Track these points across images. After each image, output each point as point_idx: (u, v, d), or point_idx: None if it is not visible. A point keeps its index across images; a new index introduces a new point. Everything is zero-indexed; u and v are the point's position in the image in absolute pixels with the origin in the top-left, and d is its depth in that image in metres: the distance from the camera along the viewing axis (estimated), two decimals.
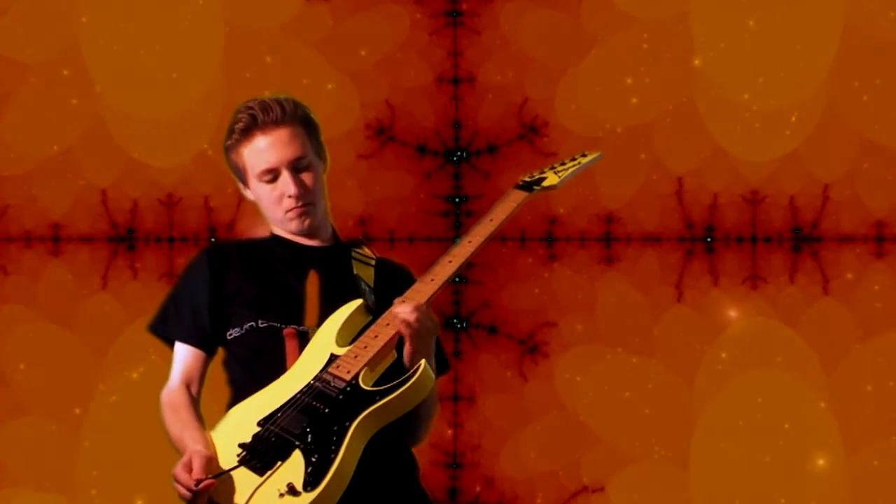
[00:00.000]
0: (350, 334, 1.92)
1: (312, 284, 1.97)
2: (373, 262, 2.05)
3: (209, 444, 1.80)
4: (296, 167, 1.99)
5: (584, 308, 4.21)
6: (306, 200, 2.01)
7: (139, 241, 4.11)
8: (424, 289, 1.93)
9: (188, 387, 1.99)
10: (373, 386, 1.79)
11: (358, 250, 2.09)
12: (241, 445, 1.76)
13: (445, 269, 1.97)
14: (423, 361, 1.84)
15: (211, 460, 1.76)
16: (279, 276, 1.98)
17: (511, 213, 2.08)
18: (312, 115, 2.07)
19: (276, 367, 1.90)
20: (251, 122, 1.99)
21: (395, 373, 1.80)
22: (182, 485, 1.77)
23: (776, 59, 3.96)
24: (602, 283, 4.22)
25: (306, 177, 2.01)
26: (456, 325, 4.22)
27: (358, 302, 1.95)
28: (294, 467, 1.74)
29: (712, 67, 4.05)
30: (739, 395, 4.01)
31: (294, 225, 2.00)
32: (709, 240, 4.14)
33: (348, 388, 1.81)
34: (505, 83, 4.20)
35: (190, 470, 1.80)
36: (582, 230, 4.22)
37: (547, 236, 4.22)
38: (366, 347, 1.85)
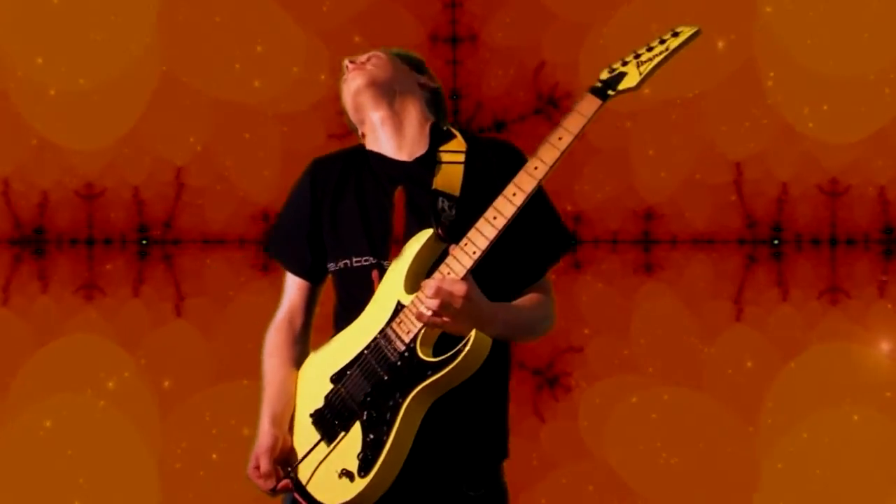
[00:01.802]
0: (422, 269, 2.16)
1: (399, 206, 2.27)
2: (461, 160, 2.25)
3: (285, 412, 2.22)
4: (362, 60, 2.36)
5: (617, 329, 4.23)
6: (360, 61, 2.34)
7: (50, 243, 4.17)
8: (463, 259, 2.09)
9: (292, 320, 2.37)
10: (431, 350, 2.08)
11: (446, 147, 2.30)
12: (312, 416, 2.17)
13: (486, 230, 2.09)
14: (472, 333, 2.05)
15: (275, 456, 2.21)
16: (371, 199, 2.28)
17: (582, 127, 2.11)
18: (411, 54, 2.42)
19: (363, 309, 2.24)
20: (348, 60, 2.37)
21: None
22: (259, 485, 2.26)
23: (862, 13, 3.99)
24: (639, 296, 4.24)
25: (371, 58, 2.36)
26: None
27: (427, 233, 2.17)
28: (353, 443, 2.14)
29: (781, 23, 4.08)
30: (816, 440, 4.01)
31: (347, 86, 2.33)
32: (776, 242, 4.15)
33: (406, 353, 2.12)
34: (516, 43, 4.22)
35: (259, 473, 2.25)
36: (614, 230, 4.24)
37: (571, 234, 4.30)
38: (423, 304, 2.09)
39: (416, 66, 2.49)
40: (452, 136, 2.36)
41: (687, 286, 4.22)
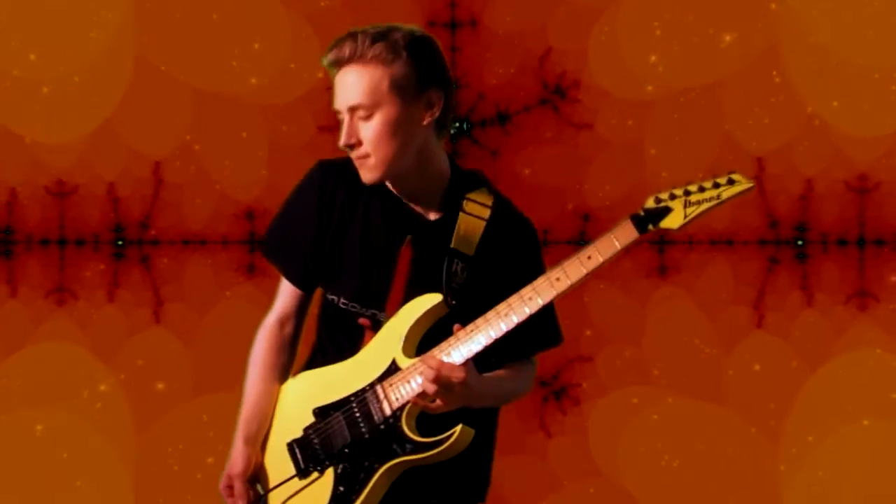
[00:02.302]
0: (421, 331, 2.27)
1: (404, 260, 2.31)
2: (486, 216, 2.28)
3: (260, 430, 2.35)
4: (358, 113, 2.22)
5: (629, 336, 4.21)
6: (361, 152, 2.24)
7: (19, 244, 4.15)
8: (464, 346, 2.22)
9: (282, 326, 2.42)
10: (414, 422, 2.23)
11: (473, 197, 2.31)
12: (289, 445, 2.31)
13: (495, 324, 2.20)
14: (459, 427, 2.20)
15: (248, 477, 2.34)
16: (375, 239, 2.31)
17: (612, 255, 2.18)
18: (409, 51, 2.22)
19: (345, 353, 2.33)
20: (333, 57, 2.24)
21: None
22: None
23: None
24: (653, 301, 4.21)
25: (368, 125, 2.22)
26: None
27: (436, 298, 2.25)
28: (324, 488, 2.29)
29: (806, 6, 4.06)
30: (843, 457, 4.00)
31: (360, 174, 2.27)
32: (800, 243, 4.13)
33: (391, 420, 2.25)
34: (520, 28, 4.19)
35: (231, 492, 2.38)
36: None
37: (579, 237, 4.21)
38: (422, 373, 2.22)
39: (420, 80, 2.29)
40: (478, 182, 2.36)
41: (704, 290, 4.18)
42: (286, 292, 2.47)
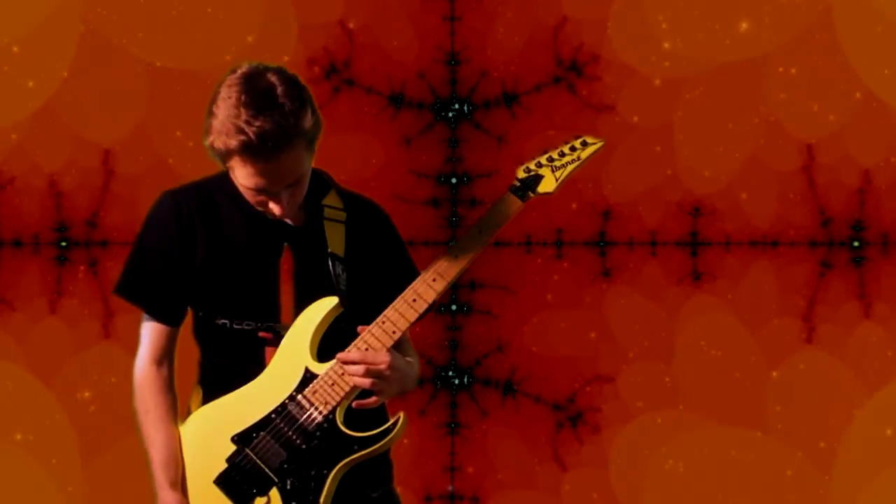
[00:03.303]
0: (320, 335, 2.59)
1: (286, 266, 2.60)
2: (343, 218, 2.66)
3: (177, 467, 2.59)
4: (289, 187, 2.51)
5: (657, 352, 4.23)
6: (291, 212, 2.56)
7: None
8: (382, 338, 2.56)
9: (159, 365, 2.66)
10: (347, 423, 2.53)
11: (328, 203, 2.66)
12: (217, 480, 2.55)
13: (407, 312, 2.58)
14: (401, 415, 2.56)
15: None
16: (252, 253, 2.60)
17: (503, 223, 2.62)
18: (313, 115, 2.52)
19: (252, 370, 2.59)
20: (245, 150, 2.45)
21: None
22: None
23: None
24: (685, 312, 4.23)
25: (298, 189, 2.54)
26: (453, 381, 4.25)
27: (332, 301, 2.58)
28: None
29: None
30: None
31: (268, 214, 2.55)
32: (856, 244, 4.14)
33: (325, 425, 2.55)
34: None
35: None
36: (651, 229, 4.26)
37: (599, 238, 4.25)
38: (343, 375, 2.54)
39: (319, 129, 2.59)
40: (325, 185, 2.68)
41: (744, 299, 4.18)
42: (154, 331, 2.67)
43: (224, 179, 2.61)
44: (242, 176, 2.49)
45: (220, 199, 2.64)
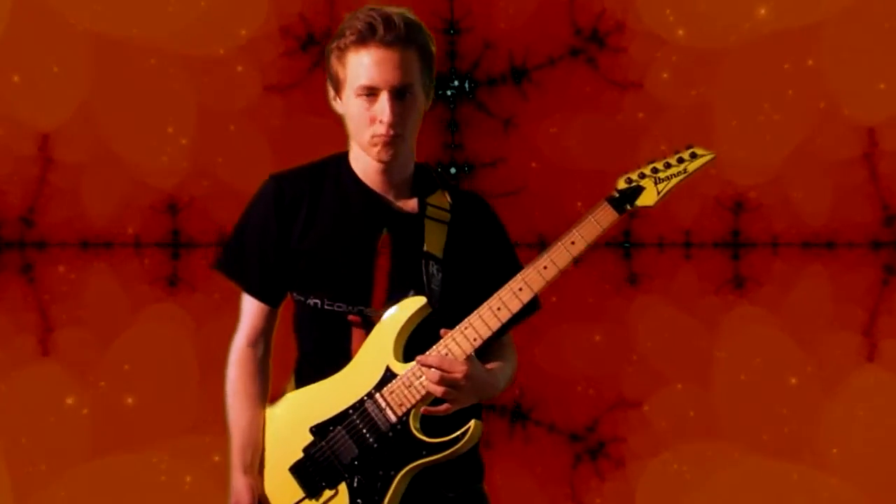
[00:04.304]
0: (407, 335, 2.87)
1: (384, 253, 2.89)
2: (447, 219, 2.95)
3: (255, 458, 2.94)
4: (398, 93, 2.84)
5: (691, 373, 4.23)
6: (398, 131, 2.86)
7: None
8: (463, 344, 2.81)
9: (254, 346, 2.97)
10: (419, 424, 2.83)
11: (432, 202, 2.95)
12: (293, 468, 2.89)
13: (490, 320, 2.82)
14: (472, 423, 2.81)
15: (255, 500, 2.91)
16: (351, 235, 2.91)
17: (596, 237, 2.81)
18: (432, 44, 2.91)
19: (339, 357, 2.89)
20: (368, 33, 2.84)
21: None
22: None
23: None
24: (725, 325, 4.23)
25: (405, 106, 2.85)
26: None
27: (420, 301, 2.85)
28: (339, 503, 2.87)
29: None
30: None
31: (376, 152, 2.87)
32: None
33: (399, 426, 2.84)
34: None
35: None
36: (685, 228, 4.28)
37: (623, 237, 4.26)
38: (420, 378, 2.81)
39: (432, 68, 2.95)
40: (433, 182, 2.98)
41: (795, 311, 4.19)
42: (252, 310, 2.99)
43: (335, 161, 2.98)
44: (357, 72, 2.85)
45: (326, 181, 2.97)
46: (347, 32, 2.87)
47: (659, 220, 4.21)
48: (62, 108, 4.20)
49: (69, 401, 4.19)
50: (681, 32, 4.20)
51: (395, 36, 2.85)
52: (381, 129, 2.85)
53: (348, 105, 2.90)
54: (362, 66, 2.85)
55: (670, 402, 4.21)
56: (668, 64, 4.20)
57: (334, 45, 2.89)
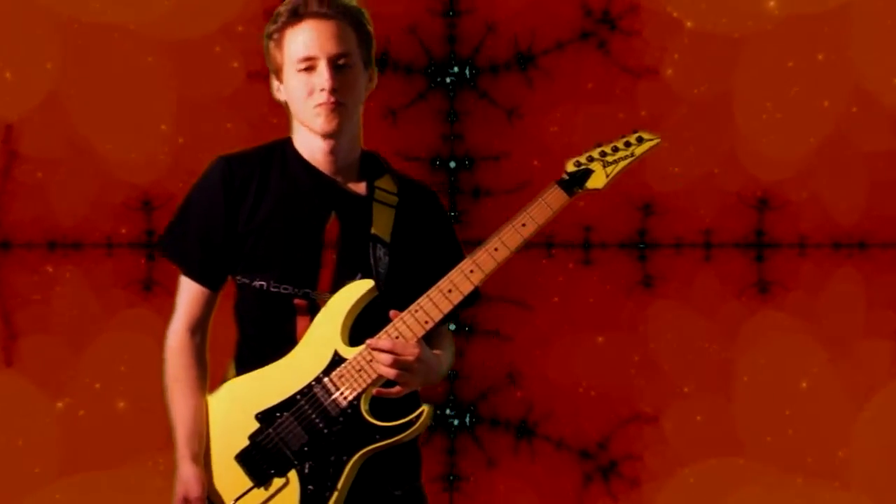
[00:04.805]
0: (353, 319, 3.01)
1: (331, 234, 3.05)
2: (394, 203, 3.12)
3: (201, 441, 3.05)
4: (336, 63, 3.04)
5: (712, 384, 4.25)
6: (339, 98, 3.03)
7: None
8: (414, 327, 2.97)
9: (193, 332, 3.08)
10: (374, 410, 2.96)
11: (381, 185, 3.14)
12: (238, 456, 2.99)
13: (441, 302, 2.98)
14: (426, 407, 2.99)
15: (205, 495, 3.03)
16: (299, 217, 3.06)
17: (547, 219, 3.00)
18: (368, 24, 3.11)
19: (283, 342, 3.02)
20: (302, 7, 3.05)
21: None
22: None
23: None
24: (748, 332, 4.24)
25: (345, 76, 3.04)
26: (451, 422, 4.27)
27: (368, 284, 3.01)
28: (291, 492, 2.99)
29: None
30: None
31: (321, 122, 3.04)
32: None
33: (349, 411, 2.97)
34: None
35: None
36: (704, 227, 4.28)
37: (637, 238, 4.29)
38: (371, 362, 2.95)
39: (370, 47, 3.16)
40: (380, 167, 3.18)
41: (824, 316, 4.20)
42: (191, 294, 3.11)
43: (281, 145, 3.13)
44: (292, 47, 3.04)
45: (274, 163, 3.12)
46: (279, 18, 3.06)
47: (676, 218, 4.21)
48: (28, 96, 4.18)
49: (35, 415, 4.17)
50: (700, 14, 4.19)
51: (328, 7, 3.05)
52: (322, 96, 3.02)
53: (289, 84, 3.07)
54: (299, 40, 3.05)
55: (689, 416, 4.21)
56: (685, 49, 4.19)
57: (269, 28, 3.09)
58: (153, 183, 4.18)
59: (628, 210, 4.23)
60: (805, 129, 4.16)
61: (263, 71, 4.03)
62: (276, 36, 3.09)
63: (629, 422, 4.23)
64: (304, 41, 3.06)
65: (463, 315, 4.20)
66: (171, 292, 4.19)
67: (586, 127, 4.22)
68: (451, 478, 4.22)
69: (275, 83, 3.13)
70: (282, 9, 3.10)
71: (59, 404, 4.21)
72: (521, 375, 4.22)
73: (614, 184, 4.04)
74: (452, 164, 4.23)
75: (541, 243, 4.16)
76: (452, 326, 4.29)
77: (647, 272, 4.24)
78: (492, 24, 4.23)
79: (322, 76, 3.04)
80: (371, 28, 3.12)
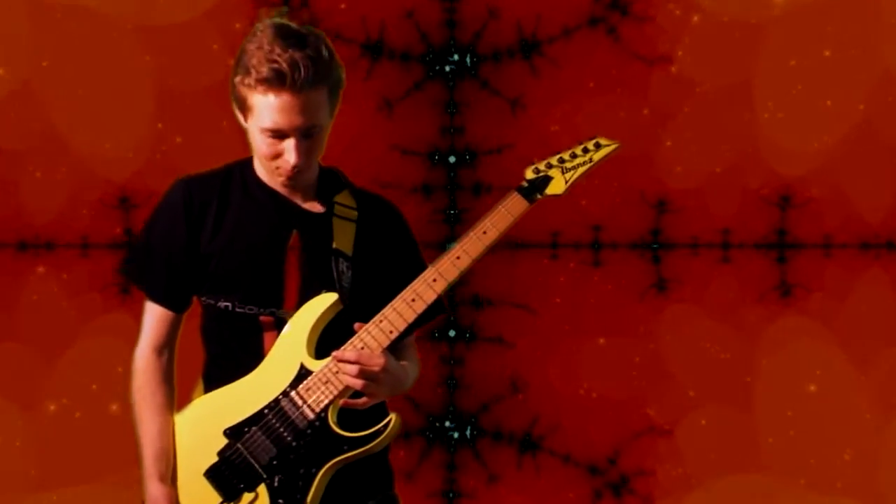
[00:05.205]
0: (318, 333, 3.16)
1: (293, 254, 3.18)
2: (354, 217, 3.28)
3: (169, 460, 3.17)
4: (305, 134, 3.11)
5: (731, 395, 4.25)
6: (303, 167, 3.13)
7: None
8: (379, 337, 3.11)
9: (159, 353, 3.22)
10: (342, 422, 3.09)
11: (339, 201, 3.26)
12: (207, 472, 3.11)
13: (405, 312, 3.13)
14: (393, 417, 3.09)
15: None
16: (260, 237, 3.19)
17: (508, 227, 3.11)
18: (341, 72, 3.14)
19: (250, 359, 3.15)
20: (275, 80, 3.07)
21: None
22: None
23: None
24: (769, 339, 4.24)
25: (311, 143, 3.14)
26: (451, 435, 4.28)
27: (332, 297, 3.14)
28: None
29: None
30: None
31: (280, 181, 3.17)
32: None
33: (317, 423, 3.10)
34: None
35: None
36: (722, 227, 4.28)
37: (651, 238, 4.31)
38: (337, 374, 3.09)
39: (340, 91, 3.21)
40: (339, 183, 3.29)
41: (851, 321, 4.20)
42: (156, 317, 3.23)
43: (240, 166, 3.24)
44: (263, 114, 3.07)
45: (233, 185, 3.23)
46: (253, 73, 3.07)
47: (693, 216, 4.21)
48: None
49: (3, 430, 4.18)
50: None
51: (303, 82, 3.07)
52: (286, 166, 3.13)
53: (253, 136, 3.14)
54: (267, 108, 3.09)
55: (705, 429, 4.23)
56: (701, 35, 4.19)
57: (236, 77, 3.10)
58: (131, 178, 4.16)
59: (641, 208, 4.22)
60: (830, 120, 4.17)
61: None
62: (243, 88, 3.09)
63: (641, 435, 4.23)
64: (273, 114, 3.10)
65: (463, 320, 4.20)
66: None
67: (595, 119, 4.21)
68: (451, 494, 4.21)
69: (236, 109, 3.16)
70: (254, 65, 3.09)
71: (29, 417, 4.20)
72: (525, 385, 4.22)
73: (627, 180, 4.16)
74: (452, 159, 4.24)
75: (546, 243, 4.13)
76: (453, 333, 4.29)
77: (661, 274, 4.24)
78: (494, 8, 4.23)
79: (289, 150, 3.14)
80: (343, 76, 3.16)
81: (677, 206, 4.20)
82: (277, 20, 3.16)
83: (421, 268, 3.20)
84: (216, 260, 3.19)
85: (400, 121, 4.21)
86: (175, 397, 3.23)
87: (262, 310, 3.18)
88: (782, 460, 4.19)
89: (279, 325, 3.19)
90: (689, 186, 4.21)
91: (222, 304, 3.20)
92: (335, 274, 3.22)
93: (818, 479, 4.19)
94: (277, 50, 3.08)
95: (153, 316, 3.23)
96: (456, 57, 4.24)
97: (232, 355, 3.20)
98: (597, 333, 4.21)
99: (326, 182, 3.29)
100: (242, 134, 4.12)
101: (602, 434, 4.21)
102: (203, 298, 3.22)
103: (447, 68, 4.23)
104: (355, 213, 3.31)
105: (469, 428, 4.24)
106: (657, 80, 4.19)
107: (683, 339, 4.23)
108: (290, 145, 3.14)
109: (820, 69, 4.21)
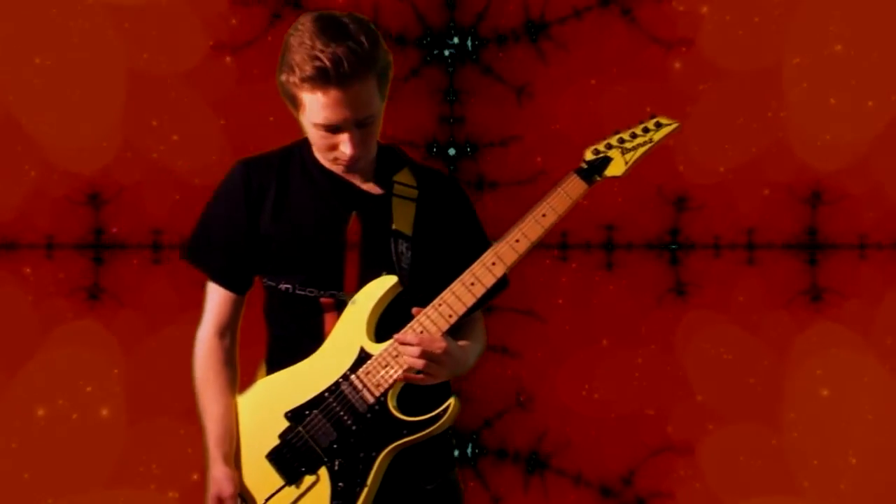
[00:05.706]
0: (378, 315, 3.29)
1: (353, 235, 3.31)
2: (414, 196, 3.39)
3: (232, 442, 3.34)
4: (359, 125, 3.22)
5: (757, 408, 4.25)
6: (360, 154, 3.26)
7: None
8: (438, 321, 3.22)
9: (221, 336, 3.39)
10: (396, 403, 3.24)
11: (399, 180, 3.39)
12: (269, 455, 3.28)
13: (464, 296, 3.23)
14: (452, 400, 3.22)
15: (237, 495, 3.33)
16: (319, 220, 3.34)
17: (567, 209, 3.21)
18: (387, 55, 3.23)
19: (311, 341, 3.30)
20: (318, 76, 3.17)
21: None
22: None
23: None
24: (800, 347, 4.25)
25: (367, 132, 3.25)
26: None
27: (391, 280, 3.26)
28: (322, 489, 3.28)
29: None
30: None
31: (338, 169, 3.31)
32: None
33: (377, 407, 3.25)
34: None
35: None
36: (747, 226, 4.29)
37: (669, 238, 4.32)
38: (397, 357, 3.22)
39: (389, 75, 3.29)
40: (399, 161, 3.41)
41: (887, 328, 4.22)
42: (218, 299, 3.39)
43: (298, 148, 3.37)
44: (314, 110, 3.20)
45: (292, 167, 3.40)
46: (298, 71, 3.21)
47: (715, 215, 4.22)
48: None
49: None
50: None
51: (348, 75, 3.18)
52: (344, 157, 3.27)
53: (308, 130, 3.27)
54: (318, 106, 3.22)
55: (728, 448, 4.24)
56: (724, 16, 4.21)
57: (283, 76, 3.22)
58: (101, 172, 4.15)
59: (658, 205, 4.25)
60: (866, 111, 4.17)
61: (229, 42, 4.15)
62: (291, 86, 3.22)
63: (658, 453, 4.25)
64: (323, 110, 3.22)
65: None
66: (122, 302, 4.13)
67: (607, 108, 4.19)
68: None
69: (288, 102, 3.26)
70: (297, 63, 3.21)
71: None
72: (532, 398, 4.25)
73: (643, 175, 3.79)
74: (452, 151, 4.26)
75: (554, 244, 4.14)
76: None
77: (680, 278, 4.26)
78: None
79: (345, 143, 3.25)
80: (390, 59, 3.26)
81: (698, 202, 4.20)
82: (317, 13, 3.25)
83: (483, 244, 3.31)
84: (276, 242, 3.33)
85: (395, 109, 3.83)
86: (238, 379, 3.36)
87: (322, 292, 3.32)
88: (815, 482, 4.21)
89: (339, 306, 3.30)
90: (710, 181, 4.22)
91: (283, 286, 3.35)
92: (394, 256, 3.34)
93: (850, 500, 4.19)
94: (319, 45, 3.19)
95: (215, 298, 3.39)
96: (456, 40, 4.26)
97: (293, 337, 3.35)
98: (609, 342, 4.22)
99: (385, 161, 3.39)
100: (225, 124, 4.18)
101: (615, 452, 4.21)
102: (265, 280, 3.37)
103: (446, 52, 4.25)
104: (415, 191, 3.41)
105: (470, 445, 4.26)
106: (677, 66, 4.20)
107: (704, 348, 4.23)
108: (345, 137, 3.25)
109: (855, 56, 4.22)
